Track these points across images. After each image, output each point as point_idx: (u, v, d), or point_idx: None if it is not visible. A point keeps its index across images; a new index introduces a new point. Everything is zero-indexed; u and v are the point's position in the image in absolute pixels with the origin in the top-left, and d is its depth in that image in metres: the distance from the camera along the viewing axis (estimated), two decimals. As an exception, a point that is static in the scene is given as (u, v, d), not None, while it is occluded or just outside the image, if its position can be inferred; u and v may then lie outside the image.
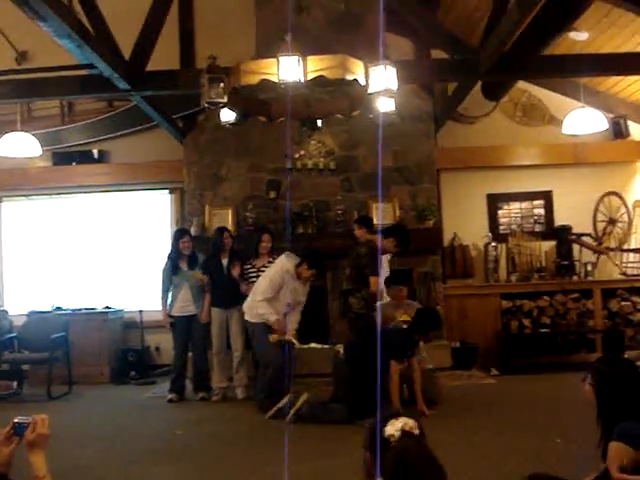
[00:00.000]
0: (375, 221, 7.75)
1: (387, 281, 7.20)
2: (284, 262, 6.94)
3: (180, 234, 7.93)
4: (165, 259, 7.84)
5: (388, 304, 7.12)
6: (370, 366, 5.74)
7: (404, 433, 2.13)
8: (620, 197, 9.62)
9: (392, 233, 6.78)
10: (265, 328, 6.89)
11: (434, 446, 2.17)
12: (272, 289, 6.86)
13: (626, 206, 9.61)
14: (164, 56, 7.42)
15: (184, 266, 7.75)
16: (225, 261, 7.73)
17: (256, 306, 6.93)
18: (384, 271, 7.09)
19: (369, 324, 6.43)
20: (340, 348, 6.58)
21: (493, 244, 9.39)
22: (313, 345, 6.75)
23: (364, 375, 5.76)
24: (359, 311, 6.58)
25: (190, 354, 7.84)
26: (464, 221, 9.63)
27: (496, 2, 6.59)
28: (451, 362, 8.41)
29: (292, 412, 6.23)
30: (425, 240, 8.52)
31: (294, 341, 6.87)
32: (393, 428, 2.14)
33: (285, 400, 6.37)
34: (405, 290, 7.35)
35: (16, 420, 2.36)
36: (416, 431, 2.15)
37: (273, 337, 6.81)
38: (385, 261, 7.24)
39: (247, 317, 7.11)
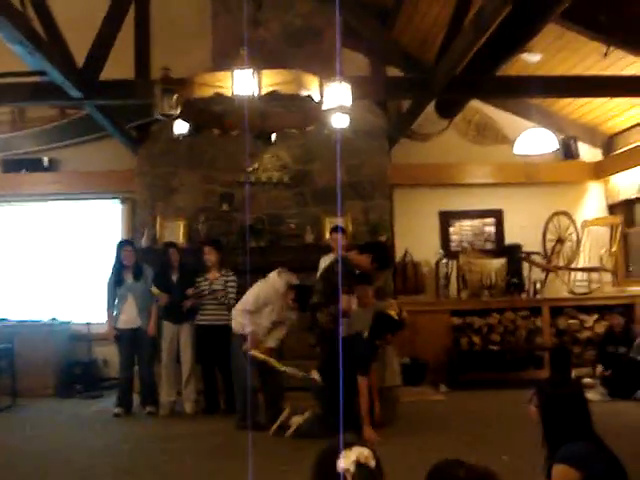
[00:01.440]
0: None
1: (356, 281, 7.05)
2: (275, 280, 6.71)
3: (122, 244, 7.82)
4: (110, 270, 7.73)
5: (356, 312, 7.04)
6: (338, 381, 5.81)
7: (359, 466, 1.91)
8: (569, 217, 9.78)
9: (368, 250, 6.77)
10: (242, 342, 6.66)
11: (383, 462, 2.03)
12: (255, 305, 6.63)
13: (575, 225, 9.77)
14: (118, 65, 7.32)
15: (129, 278, 7.64)
16: (174, 277, 7.65)
17: (235, 315, 6.74)
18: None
19: (335, 339, 6.44)
20: (315, 375, 6.50)
21: (444, 261, 9.46)
22: (288, 369, 6.59)
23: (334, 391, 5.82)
24: (325, 326, 6.57)
25: (137, 367, 7.72)
26: (416, 237, 9.69)
27: (451, 22, 6.67)
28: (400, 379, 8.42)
29: (292, 429, 6.17)
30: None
31: (269, 360, 6.61)
32: (347, 461, 1.91)
33: (285, 414, 6.30)
34: (370, 290, 7.03)
35: None
36: (372, 462, 1.94)
37: (247, 348, 6.57)
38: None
39: (234, 325, 6.81)
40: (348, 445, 1.95)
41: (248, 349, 6.53)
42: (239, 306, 6.76)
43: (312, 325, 6.74)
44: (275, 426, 6.29)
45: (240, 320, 6.67)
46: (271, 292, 6.67)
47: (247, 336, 6.61)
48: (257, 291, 6.73)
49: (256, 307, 6.64)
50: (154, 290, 7.56)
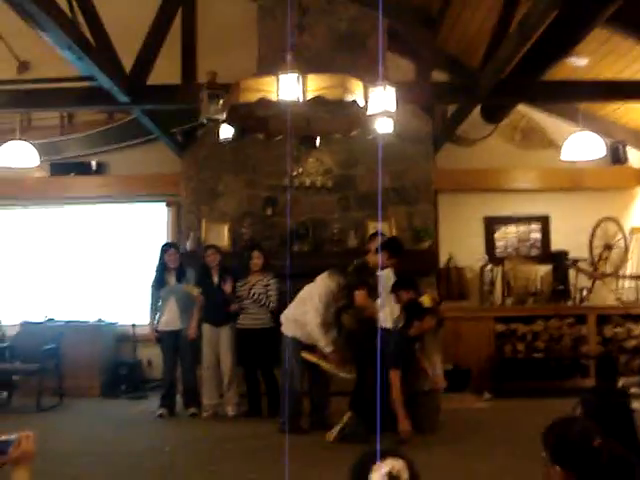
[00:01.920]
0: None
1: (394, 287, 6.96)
2: (327, 282, 6.71)
3: (166, 247, 7.93)
4: (154, 273, 7.82)
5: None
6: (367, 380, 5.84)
7: (391, 479, 1.86)
8: (617, 223, 9.63)
9: (383, 247, 6.77)
10: (298, 345, 6.66)
11: (425, 471, 2.04)
12: (324, 309, 6.59)
13: (623, 232, 9.61)
14: (165, 70, 7.43)
15: (171, 280, 7.72)
16: (216, 278, 7.70)
17: (306, 323, 6.62)
18: (384, 288, 6.97)
19: (362, 340, 6.45)
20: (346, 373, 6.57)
21: (489, 267, 9.38)
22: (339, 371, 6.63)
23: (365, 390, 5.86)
24: (351, 328, 6.60)
25: (180, 369, 7.79)
26: (460, 243, 9.62)
27: (497, 26, 6.62)
28: (444, 384, 8.36)
29: (335, 433, 6.18)
30: (420, 261, 8.49)
31: (322, 363, 6.58)
32: (378, 475, 1.86)
33: (345, 419, 6.26)
34: (405, 294, 6.78)
35: (1, 438, 2.32)
36: (405, 475, 1.88)
37: (305, 355, 6.61)
38: (386, 278, 7.10)
39: (285, 330, 6.79)
40: (382, 455, 1.90)
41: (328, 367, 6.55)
42: (315, 319, 6.55)
43: (339, 328, 6.70)
44: (336, 432, 6.22)
45: (317, 337, 6.54)
46: (329, 294, 6.66)
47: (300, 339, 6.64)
48: (318, 297, 6.64)
49: (324, 311, 6.59)
50: (189, 287, 7.61)
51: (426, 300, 6.67)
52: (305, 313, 6.66)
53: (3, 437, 2.32)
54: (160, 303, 7.73)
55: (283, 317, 6.90)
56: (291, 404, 6.63)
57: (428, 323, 6.51)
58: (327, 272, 6.81)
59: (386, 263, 6.77)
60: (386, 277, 6.86)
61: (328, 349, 6.52)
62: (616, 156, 9.68)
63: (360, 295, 6.65)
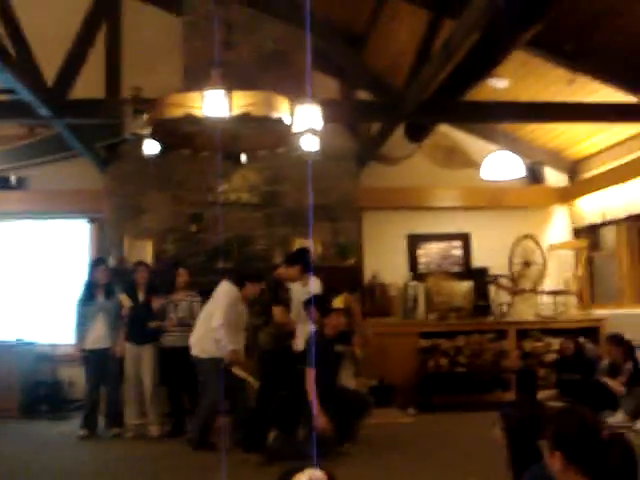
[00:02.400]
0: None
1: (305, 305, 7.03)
2: (230, 288, 6.65)
3: (97, 263, 7.79)
4: (81, 289, 7.65)
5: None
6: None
7: None
8: (535, 240, 9.90)
9: (295, 261, 6.72)
10: (218, 364, 6.49)
11: None
12: (224, 315, 6.45)
13: (541, 249, 9.88)
14: (89, 84, 7.32)
15: (100, 297, 7.58)
16: (141, 295, 7.60)
17: (210, 336, 6.50)
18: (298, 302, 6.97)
19: (276, 360, 6.46)
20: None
21: (412, 283, 9.51)
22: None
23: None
24: (266, 347, 6.51)
25: (103, 389, 7.62)
26: (385, 260, 9.74)
27: (420, 47, 6.76)
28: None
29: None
30: (345, 278, 8.53)
31: (249, 378, 6.56)
32: None
33: (272, 436, 6.18)
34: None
35: None
36: None
37: (236, 370, 6.48)
38: (300, 292, 7.10)
39: (196, 353, 6.67)
40: (303, 467, 1.97)
41: (241, 374, 6.47)
42: (214, 324, 6.45)
43: (252, 346, 6.60)
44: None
45: (219, 337, 6.41)
46: (232, 298, 6.58)
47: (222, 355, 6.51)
48: (219, 304, 6.57)
49: (225, 318, 6.45)
50: (122, 297, 7.49)
51: (338, 301, 6.66)
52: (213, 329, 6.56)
53: None
54: (87, 320, 7.54)
55: (193, 340, 6.74)
56: (202, 421, 6.60)
57: (336, 320, 6.40)
58: (224, 281, 6.74)
59: (299, 277, 6.73)
60: (299, 291, 6.89)
61: (230, 347, 6.42)
62: (534, 176, 9.99)
63: (278, 312, 6.61)
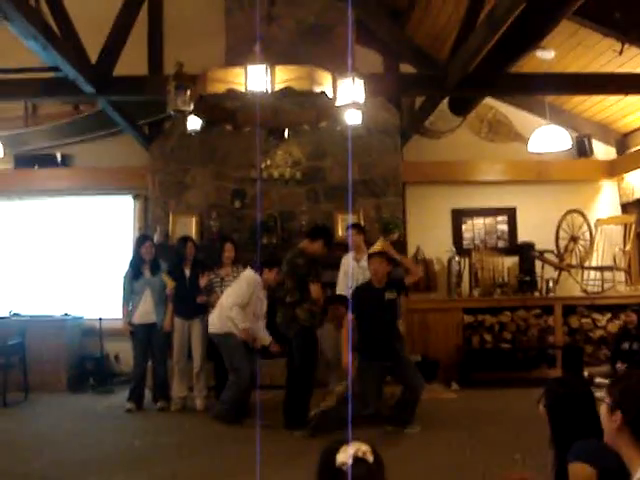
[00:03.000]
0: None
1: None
2: (252, 273, 6.88)
3: (142, 240, 7.85)
4: (127, 265, 7.74)
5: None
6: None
7: (357, 460, 1.97)
8: (582, 215, 9.73)
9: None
10: (237, 338, 6.79)
11: (391, 462, 2.10)
12: (242, 299, 6.75)
13: (588, 224, 9.71)
14: (132, 61, 7.34)
15: (146, 273, 7.65)
16: (187, 271, 7.66)
17: (226, 314, 6.78)
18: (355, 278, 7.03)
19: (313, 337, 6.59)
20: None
21: (456, 258, 9.43)
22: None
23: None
24: (305, 324, 6.53)
25: (150, 363, 7.73)
26: (428, 235, 9.67)
27: (465, 18, 6.64)
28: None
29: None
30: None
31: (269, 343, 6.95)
32: (344, 455, 1.97)
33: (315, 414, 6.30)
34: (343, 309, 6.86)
35: None
36: (370, 457, 1.99)
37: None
38: (357, 267, 7.17)
39: (214, 330, 6.94)
40: (347, 443, 2.00)
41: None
42: (230, 303, 6.78)
43: (289, 322, 6.59)
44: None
45: (233, 315, 6.72)
46: (253, 284, 6.84)
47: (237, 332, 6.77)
48: (239, 288, 6.87)
49: (243, 301, 6.77)
50: (164, 277, 7.57)
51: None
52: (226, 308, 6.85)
53: None
54: (134, 296, 7.64)
55: (211, 319, 7.02)
56: (234, 397, 6.77)
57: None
58: (248, 268, 6.98)
59: (322, 252, 6.74)
60: (354, 268, 7.01)
61: (242, 325, 6.70)
62: (582, 149, 9.79)
63: (314, 288, 6.58)
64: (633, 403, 2.26)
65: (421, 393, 6.33)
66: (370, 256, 6.53)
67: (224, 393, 6.89)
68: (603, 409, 2.34)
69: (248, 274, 6.93)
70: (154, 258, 7.71)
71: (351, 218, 8.51)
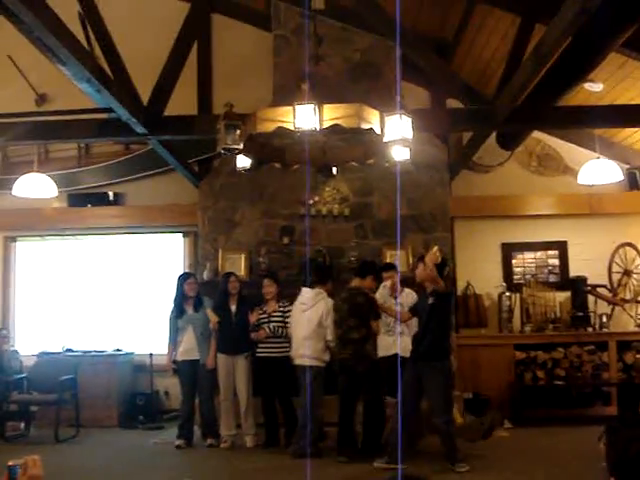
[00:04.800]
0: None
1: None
2: (325, 298, 7.13)
3: (185, 277, 7.93)
4: (172, 303, 7.81)
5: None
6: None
7: None
8: (635, 248, 9.55)
9: (367, 272, 7.07)
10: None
11: None
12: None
13: (641, 257, 9.53)
14: (182, 101, 7.49)
15: (189, 309, 7.71)
16: (233, 307, 7.69)
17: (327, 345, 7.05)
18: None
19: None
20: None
21: (507, 294, 9.32)
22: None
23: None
24: (374, 358, 6.89)
25: (197, 400, 7.75)
26: (478, 270, 9.57)
27: (511, 53, 6.64)
28: (464, 413, 8.29)
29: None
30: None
31: None
32: None
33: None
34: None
35: (9, 463, 2.34)
36: None
37: None
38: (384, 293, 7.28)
39: (315, 362, 7.01)
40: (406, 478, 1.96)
41: None
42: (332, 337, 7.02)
43: (360, 357, 6.78)
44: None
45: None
46: (330, 308, 7.11)
47: None
48: (328, 318, 7.06)
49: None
50: (209, 313, 7.61)
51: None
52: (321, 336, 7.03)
53: (11, 462, 2.34)
54: (178, 333, 7.71)
55: (305, 351, 7.02)
56: (317, 429, 6.87)
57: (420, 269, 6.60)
58: (317, 292, 7.14)
59: (375, 287, 7.14)
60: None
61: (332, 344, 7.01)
62: (633, 181, 9.64)
63: (376, 325, 6.94)
64: (631, 477, 2.19)
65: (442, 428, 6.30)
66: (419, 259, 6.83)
67: (310, 431, 6.82)
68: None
69: (324, 301, 7.11)
70: (197, 295, 7.77)
71: (398, 253, 8.49)
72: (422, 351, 6.33)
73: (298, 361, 7.08)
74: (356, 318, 6.80)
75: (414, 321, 6.83)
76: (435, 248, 6.49)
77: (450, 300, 6.72)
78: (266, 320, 7.53)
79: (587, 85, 7.52)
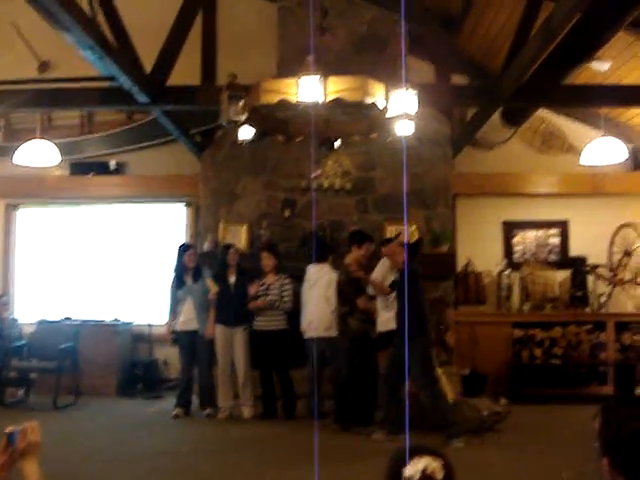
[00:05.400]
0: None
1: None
2: (328, 272, 7.30)
3: (185, 248, 7.93)
4: (172, 274, 7.83)
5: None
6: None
7: (424, 477, 1.91)
8: (636, 229, 9.54)
9: (357, 241, 7.34)
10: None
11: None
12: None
13: (642, 238, 9.52)
14: (185, 71, 7.44)
15: (189, 280, 7.73)
16: (232, 278, 7.70)
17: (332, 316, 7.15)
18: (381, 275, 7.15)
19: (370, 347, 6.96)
20: None
21: (507, 272, 9.32)
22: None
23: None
24: (358, 333, 7.03)
25: (195, 369, 7.79)
26: (478, 247, 9.57)
27: (519, 29, 6.58)
28: (460, 390, 8.32)
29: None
30: (438, 265, 8.44)
31: None
32: (413, 469, 1.92)
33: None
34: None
35: (7, 430, 2.35)
36: (439, 476, 1.92)
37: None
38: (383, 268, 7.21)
39: (325, 333, 7.15)
40: (420, 452, 1.96)
41: None
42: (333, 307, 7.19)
43: (344, 331, 7.01)
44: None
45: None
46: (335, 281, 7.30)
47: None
48: (332, 289, 7.22)
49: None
50: (209, 282, 7.61)
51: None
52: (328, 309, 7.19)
53: (9, 428, 2.35)
54: (177, 303, 7.73)
55: (313, 322, 7.16)
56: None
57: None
58: (320, 267, 7.28)
59: (364, 259, 7.27)
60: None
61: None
62: (637, 162, 9.60)
63: (360, 301, 7.11)
64: (625, 457, 2.16)
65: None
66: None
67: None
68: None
69: (328, 275, 7.28)
70: (196, 266, 7.78)
71: (407, 228, 8.47)
72: (397, 328, 6.44)
73: (308, 334, 7.24)
74: (339, 296, 7.08)
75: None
76: (400, 232, 6.66)
77: (411, 278, 6.49)
78: (264, 293, 7.55)
79: (594, 63, 7.45)
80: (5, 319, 9.04)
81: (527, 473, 5.31)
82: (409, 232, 6.69)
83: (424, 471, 1.91)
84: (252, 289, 7.54)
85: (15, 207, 10.15)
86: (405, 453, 1.97)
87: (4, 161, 9.44)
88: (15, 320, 9.26)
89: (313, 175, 8.52)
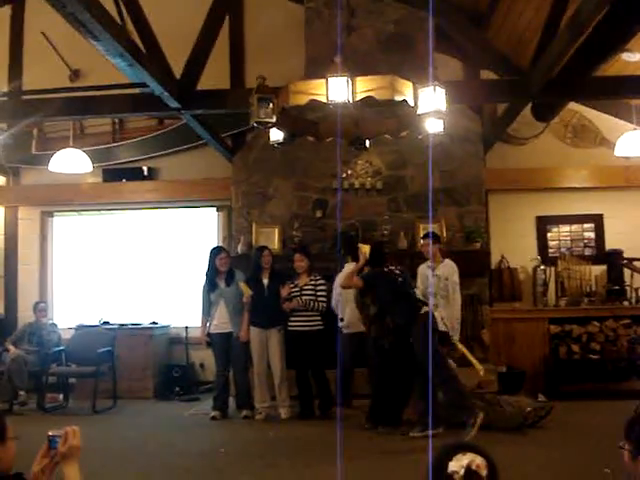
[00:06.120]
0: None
1: None
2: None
3: (217, 251, 7.95)
4: (204, 277, 7.87)
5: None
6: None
7: (468, 472, 1.93)
8: (672, 222, 9.40)
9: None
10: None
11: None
12: None
13: (679, 230, 9.38)
14: (214, 75, 7.50)
15: (221, 283, 7.76)
16: (266, 280, 7.72)
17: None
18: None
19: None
20: None
21: (542, 267, 9.24)
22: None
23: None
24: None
25: (232, 372, 7.83)
26: (512, 243, 9.50)
27: (547, 23, 6.53)
28: (497, 387, 8.27)
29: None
30: (472, 262, 8.41)
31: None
32: (457, 464, 1.94)
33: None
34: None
35: (50, 433, 2.40)
36: (483, 472, 1.94)
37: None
38: (432, 276, 7.21)
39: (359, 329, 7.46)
40: (464, 449, 1.99)
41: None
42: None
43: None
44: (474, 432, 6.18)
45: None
46: None
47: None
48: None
49: None
50: (242, 286, 7.64)
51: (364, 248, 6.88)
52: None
53: (51, 432, 2.39)
54: (211, 307, 7.77)
55: (351, 319, 7.56)
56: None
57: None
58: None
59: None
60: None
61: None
62: (672, 153, 9.46)
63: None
64: None
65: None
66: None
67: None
68: (625, 456, 2.23)
69: None
70: (229, 269, 7.81)
71: (431, 227, 8.43)
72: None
73: (346, 330, 7.58)
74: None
75: (457, 294, 7.14)
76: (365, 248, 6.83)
77: (369, 284, 6.86)
78: (298, 294, 7.57)
79: (625, 55, 7.37)
80: (44, 325, 9.17)
81: (567, 470, 5.26)
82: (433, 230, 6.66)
83: (469, 467, 1.93)
84: (284, 291, 7.56)
85: (50, 214, 10.29)
86: (451, 449, 1.98)
87: (38, 170, 9.59)
88: (54, 325, 9.39)
89: (343, 175, 8.55)
